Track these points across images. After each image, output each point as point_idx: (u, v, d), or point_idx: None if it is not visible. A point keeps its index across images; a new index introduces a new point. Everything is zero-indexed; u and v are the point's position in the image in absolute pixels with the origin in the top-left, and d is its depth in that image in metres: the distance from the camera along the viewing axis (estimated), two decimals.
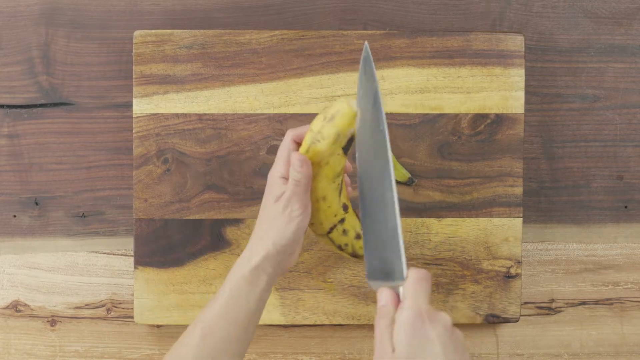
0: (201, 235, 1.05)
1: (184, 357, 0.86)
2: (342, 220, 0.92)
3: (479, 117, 1.05)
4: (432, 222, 1.06)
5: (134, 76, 1.05)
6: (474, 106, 1.05)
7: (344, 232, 0.92)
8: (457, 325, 1.06)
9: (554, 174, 1.10)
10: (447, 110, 1.05)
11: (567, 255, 1.10)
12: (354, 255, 0.94)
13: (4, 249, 1.09)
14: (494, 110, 1.05)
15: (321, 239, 0.94)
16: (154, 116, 1.05)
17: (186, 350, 0.87)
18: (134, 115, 1.05)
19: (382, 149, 0.84)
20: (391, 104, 1.05)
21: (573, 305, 1.10)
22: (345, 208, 0.92)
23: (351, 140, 0.87)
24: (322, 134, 0.86)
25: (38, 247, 1.09)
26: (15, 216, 1.09)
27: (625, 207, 1.10)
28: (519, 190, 1.06)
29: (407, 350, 0.75)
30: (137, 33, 1.05)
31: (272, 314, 1.06)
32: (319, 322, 1.06)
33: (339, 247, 0.94)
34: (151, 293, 1.05)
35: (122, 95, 1.08)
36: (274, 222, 0.88)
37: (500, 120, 1.05)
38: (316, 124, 0.87)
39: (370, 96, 0.86)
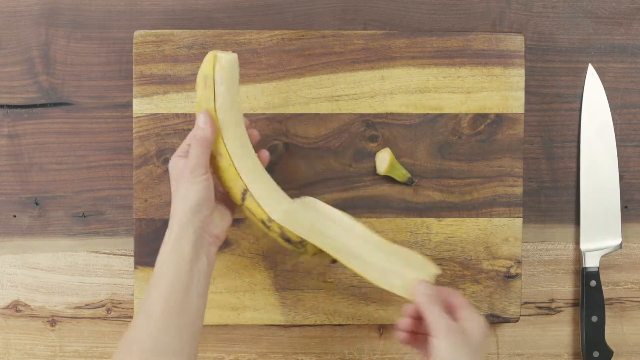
0: None
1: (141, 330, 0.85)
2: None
3: (479, 117, 1.05)
4: (432, 222, 1.06)
5: (134, 76, 1.05)
6: (474, 106, 1.05)
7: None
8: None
9: (554, 174, 1.10)
10: (447, 110, 1.05)
11: (567, 255, 1.10)
12: (285, 238, 0.93)
13: (4, 249, 1.09)
14: (494, 110, 1.05)
15: (248, 218, 0.93)
16: (154, 116, 1.05)
17: (134, 333, 0.85)
18: (134, 115, 1.05)
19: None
20: (391, 104, 1.05)
21: (573, 305, 1.10)
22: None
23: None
24: (197, 84, 0.92)
25: (38, 247, 1.09)
26: (15, 216, 1.09)
27: (625, 207, 1.10)
28: (519, 190, 1.06)
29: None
30: (137, 33, 1.05)
31: (272, 314, 1.06)
32: (319, 322, 1.06)
33: (264, 224, 0.92)
34: None
35: (122, 95, 1.08)
36: (177, 188, 0.90)
37: (500, 120, 1.05)
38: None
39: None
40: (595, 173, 1.08)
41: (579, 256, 1.10)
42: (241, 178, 0.92)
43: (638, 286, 1.11)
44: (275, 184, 0.94)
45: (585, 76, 1.09)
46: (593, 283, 1.07)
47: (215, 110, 0.91)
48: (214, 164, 0.93)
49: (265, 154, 0.97)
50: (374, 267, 0.92)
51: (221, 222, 0.93)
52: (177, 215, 0.90)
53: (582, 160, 1.08)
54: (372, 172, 1.05)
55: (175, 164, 0.92)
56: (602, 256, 1.08)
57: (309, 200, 0.96)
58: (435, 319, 0.85)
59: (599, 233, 1.08)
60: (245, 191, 0.92)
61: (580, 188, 1.08)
